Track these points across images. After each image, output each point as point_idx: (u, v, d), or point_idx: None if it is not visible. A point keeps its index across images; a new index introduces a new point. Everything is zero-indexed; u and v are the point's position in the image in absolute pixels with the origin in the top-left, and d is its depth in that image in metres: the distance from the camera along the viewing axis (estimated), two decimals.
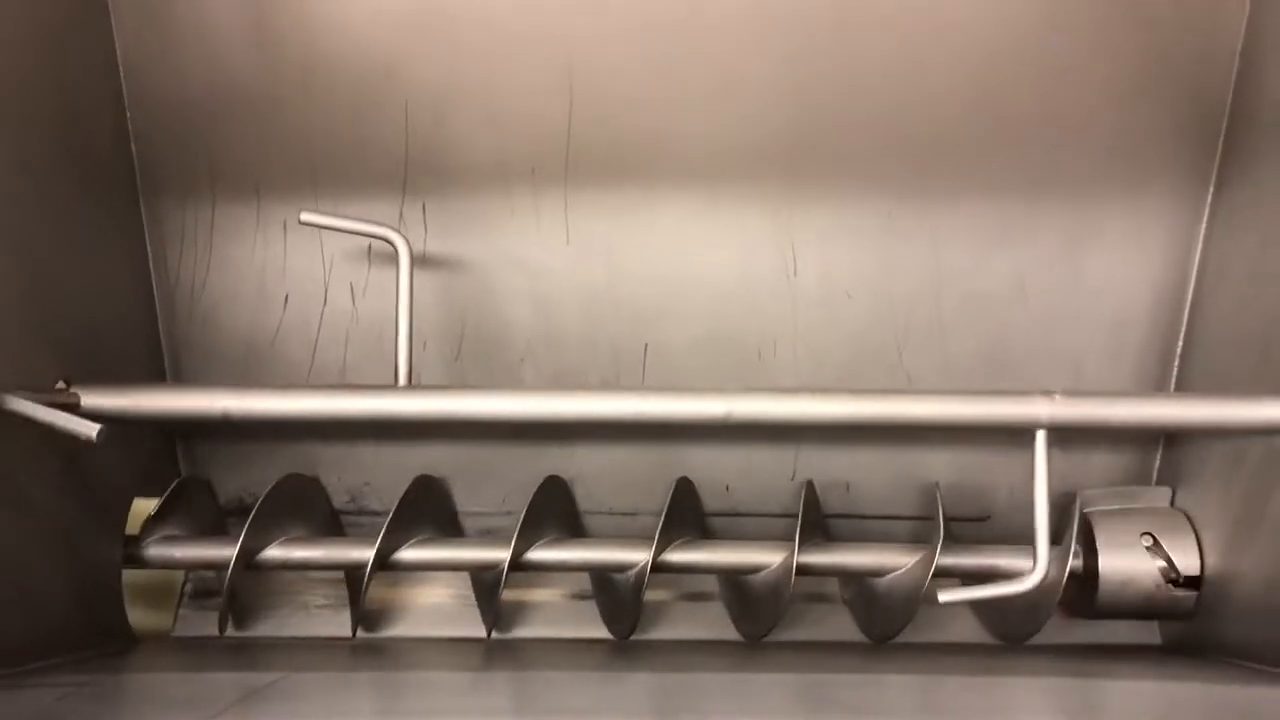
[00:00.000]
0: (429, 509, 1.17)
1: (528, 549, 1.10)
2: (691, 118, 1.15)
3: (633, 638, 1.16)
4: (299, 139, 1.16)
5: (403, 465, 1.20)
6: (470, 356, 1.20)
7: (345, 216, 1.12)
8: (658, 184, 1.17)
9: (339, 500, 1.22)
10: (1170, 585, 1.09)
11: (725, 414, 1.03)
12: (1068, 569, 1.07)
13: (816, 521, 1.16)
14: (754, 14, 1.11)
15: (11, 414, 0.90)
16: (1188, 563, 1.09)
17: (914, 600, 1.07)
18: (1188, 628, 1.12)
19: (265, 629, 1.19)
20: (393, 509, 1.08)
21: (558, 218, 1.18)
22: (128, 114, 1.14)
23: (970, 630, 1.19)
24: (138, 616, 1.12)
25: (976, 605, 1.19)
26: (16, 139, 0.96)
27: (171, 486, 1.13)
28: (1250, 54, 1.10)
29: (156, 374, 1.19)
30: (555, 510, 1.17)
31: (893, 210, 1.17)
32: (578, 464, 1.22)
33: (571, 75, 1.14)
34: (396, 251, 1.10)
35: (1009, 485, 1.22)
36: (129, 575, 1.10)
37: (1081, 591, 1.13)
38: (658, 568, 1.09)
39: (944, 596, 0.99)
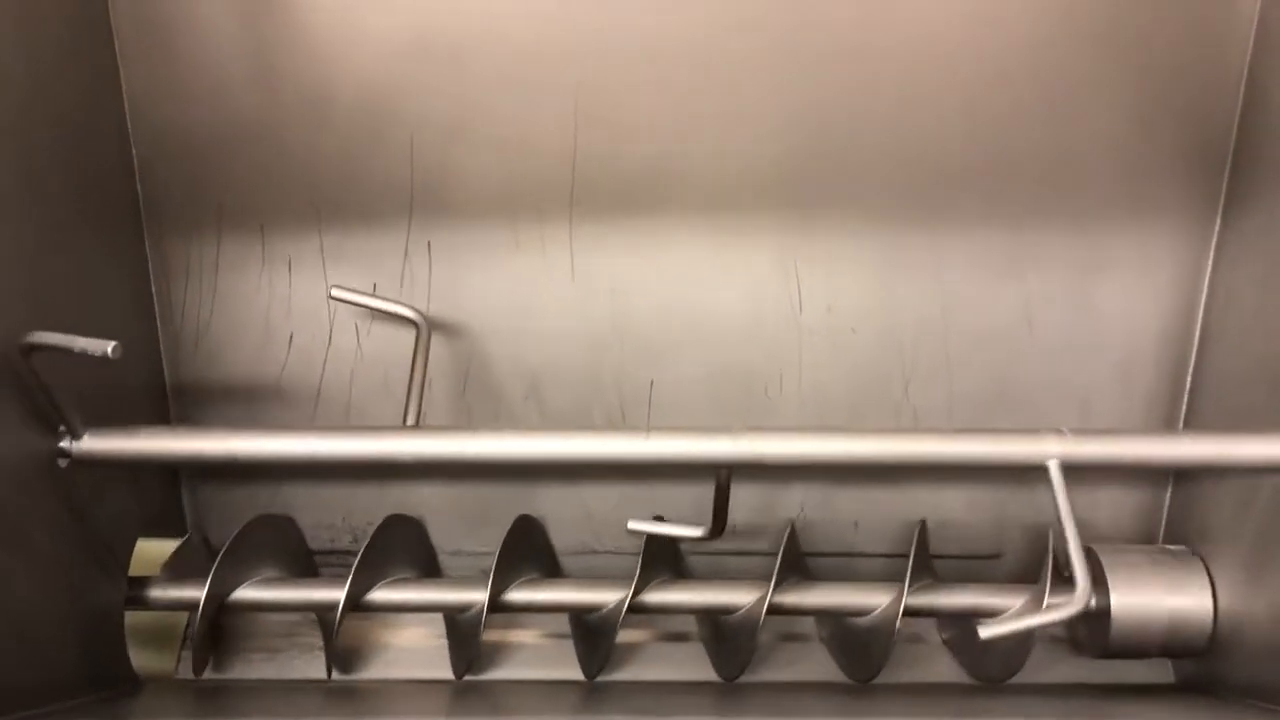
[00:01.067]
0: (404, 548, 1.16)
1: (505, 589, 1.10)
2: (696, 150, 1.14)
3: (608, 677, 1.15)
4: (304, 174, 1.15)
5: (407, 505, 1.20)
6: (475, 393, 1.20)
7: (372, 295, 1.15)
8: (662, 218, 1.17)
9: (344, 541, 1.21)
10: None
11: (731, 454, 1.02)
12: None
13: (796, 560, 1.15)
14: (759, 47, 1.11)
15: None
16: (1200, 603, 1.08)
17: (888, 639, 1.07)
18: (1201, 666, 1.11)
19: (270, 670, 1.18)
20: (361, 549, 1.08)
21: (563, 253, 1.18)
22: (133, 149, 1.14)
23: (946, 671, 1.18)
24: (140, 658, 1.11)
25: (957, 645, 1.19)
26: (18, 173, 0.95)
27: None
28: (1256, 81, 1.09)
29: (160, 413, 1.19)
30: (530, 550, 1.17)
31: (898, 243, 1.17)
32: (583, 500, 1.21)
33: (576, 108, 1.14)
34: (417, 328, 1.13)
35: (1020, 523, 1.21)
36: (131, 617, 1.10)
37: (1094, 630, 1.12)
38: (635, 608, 1.09)
39: (985, 631, 0.96)
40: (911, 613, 1.08)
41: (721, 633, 1.15)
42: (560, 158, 1.15)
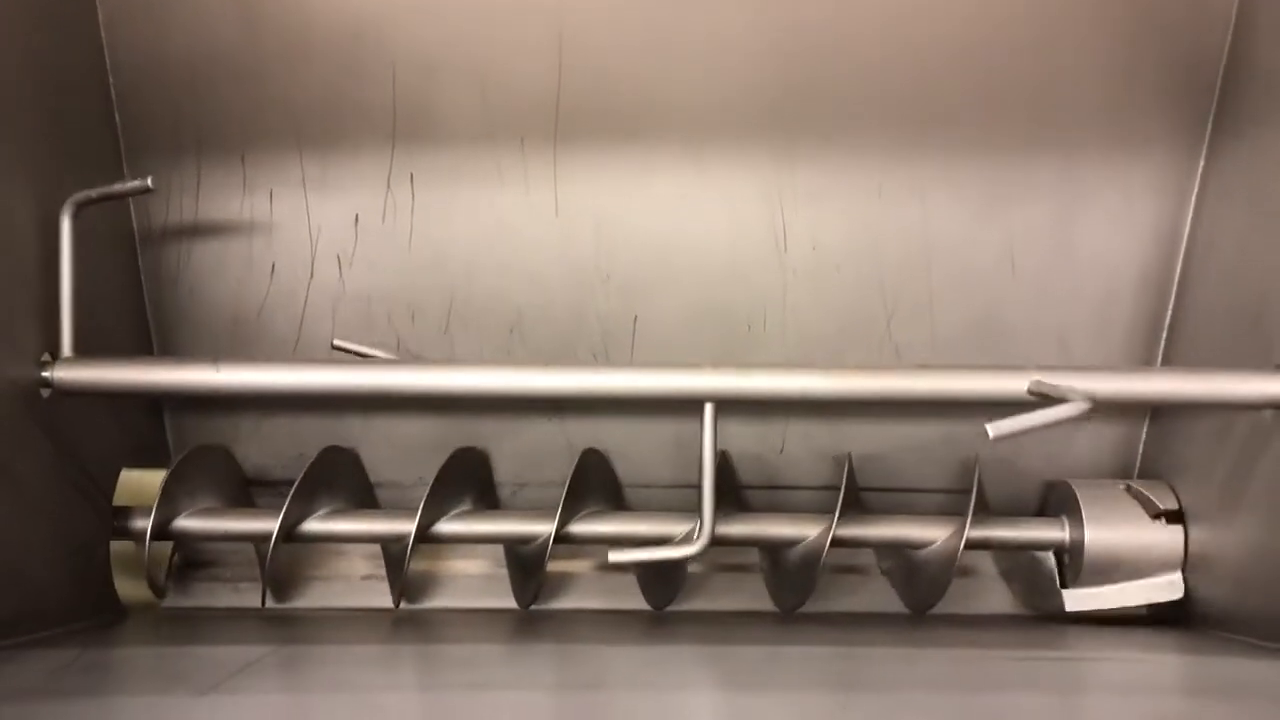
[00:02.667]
0: (468, 479, 1.17)
1: (437, 520, 1.11)
2: (681, 83, 1.14)
3: (540, 606, 1.18)
4: (285, 105, 1.14)
5: (393, 437, 1.21)
6: (458, 329, 1.20)
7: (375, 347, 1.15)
8: (647, 152, 1.16)
9: None
10: (1157, 520, 1.10)
11: (713, 390, 1.02)
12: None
13: (855, 496, 1.16)
14: None
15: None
16: (1172, 537, 1.10)
17: (949, 572, 1.09)
18: (1173, 601, 1.13)
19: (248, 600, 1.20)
20: (296, 481, 1.08)
21: (546, 186, 1.17)
22: (110, 80, 1.12)
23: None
24: (126, 588, 1.12)
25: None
26: None
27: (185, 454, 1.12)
28: (1244, 20, 1.09)
29: (143, 344, 1.18)
30: (599, 482, 1.18)
31: (883, 180, 1.17)
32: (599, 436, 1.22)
33: (561, 39, 1.12)
34: None
35: (995, 458, 1.22)
36: (116, 547, 1.10)
37: (1070, 564, 1.14)
38: (563, 538, 1.10)
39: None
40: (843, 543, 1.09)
41: (781, 566, 1.16)
42: (544, 89, 1.14)
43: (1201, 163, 1.15)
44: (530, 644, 1.04)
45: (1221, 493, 1.06)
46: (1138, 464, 1.22)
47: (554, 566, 1.16)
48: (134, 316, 1.18)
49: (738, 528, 1.12)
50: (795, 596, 1.14)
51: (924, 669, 0.93)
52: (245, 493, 1.20)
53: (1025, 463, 1.21)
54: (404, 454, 1.21)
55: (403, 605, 1.16)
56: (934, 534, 1.12)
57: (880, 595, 1.20)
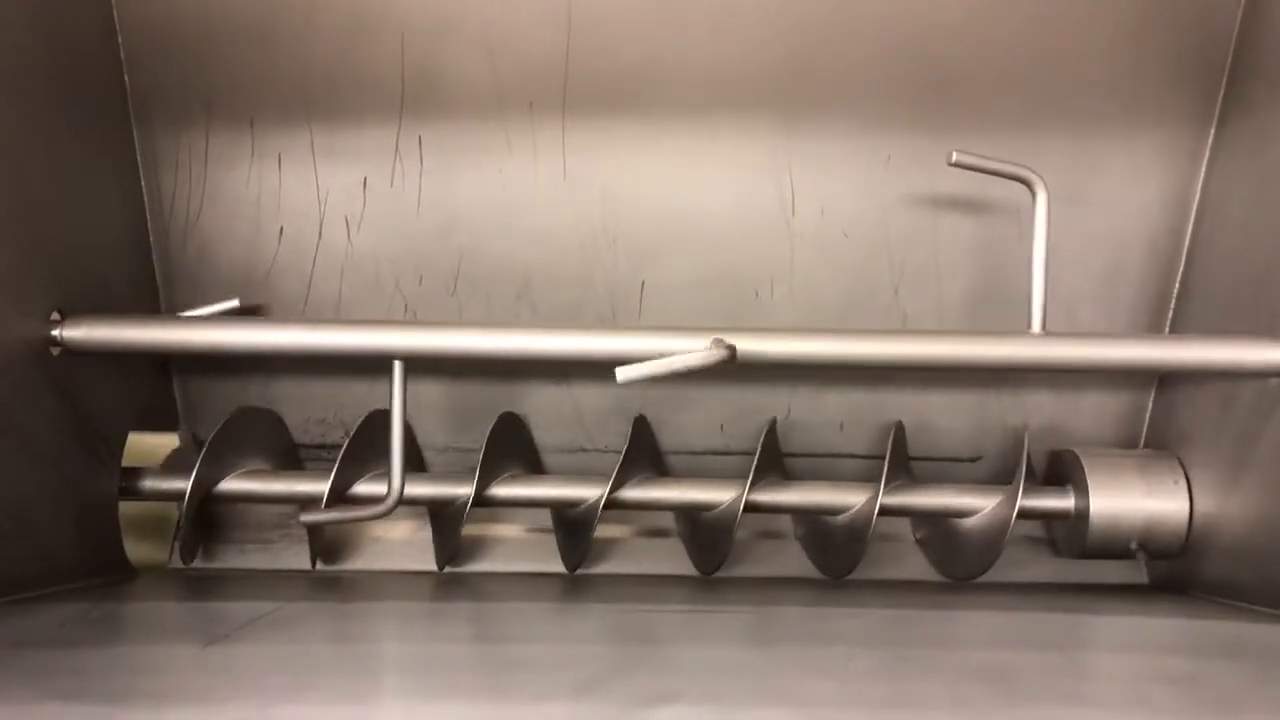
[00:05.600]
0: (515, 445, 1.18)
1: (489, 485, 1.12)
2: (690, 49, 1.14)
3: (589, 570, 1.19)
4: (294, 69, 1.14)
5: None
6: (466, 293, 1.20)
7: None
8: (655, 118, 1.16)
9: (335, 436, 1.22)
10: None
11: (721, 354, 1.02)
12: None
13: (775, 459, 1.17)
14: None
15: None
16: (1177, 505, 1.10)
17: (862, 537, 1.09)
18: (1174, 567, 1.14)
19: (261, 560, 1.20)
20: (346, 443, 1.09)
21: (555, 153, 1.17)
22: (120, 42, 1.12)
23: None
24: (134, 549, 1.13)
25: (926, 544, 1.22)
26: (3, 67, 0.94)
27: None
28: None
29: (151, 307, 1.19)
30: (514, 447, 1.19)
31: (891, 148, 1.17)
32: (575, 399, 1.23)
33: (570, 6, 1.12)
34: None
35: (1002, 427, 1.23)
36: (125, 508, 1.11)
37: (1072, 531, 1.14)
38: (613, 504, 1.12)
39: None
40: (887, 512, 1.10)
41: (699, 529, 1.17)
42: (552, 57, 1.14)
43: (1212, 130, 1.14)
44: (577, 604, 1.05)
45: (1226, 462, 1.07)
46: (1144, 435, 1.22)
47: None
48: (143, 281, 1.18)
49: (771, 495, 1.13)
50: (842, 563, 1.14)
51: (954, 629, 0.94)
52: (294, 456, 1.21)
53: (1033, 431, 1.22)
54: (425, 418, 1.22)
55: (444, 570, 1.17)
56: (981, 503, 1.12)
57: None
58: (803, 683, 0.73)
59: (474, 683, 0.72)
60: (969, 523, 1.13)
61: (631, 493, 1.13)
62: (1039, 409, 1.22)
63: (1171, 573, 1.15)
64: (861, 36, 1.13)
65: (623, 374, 0.94)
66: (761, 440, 1.11)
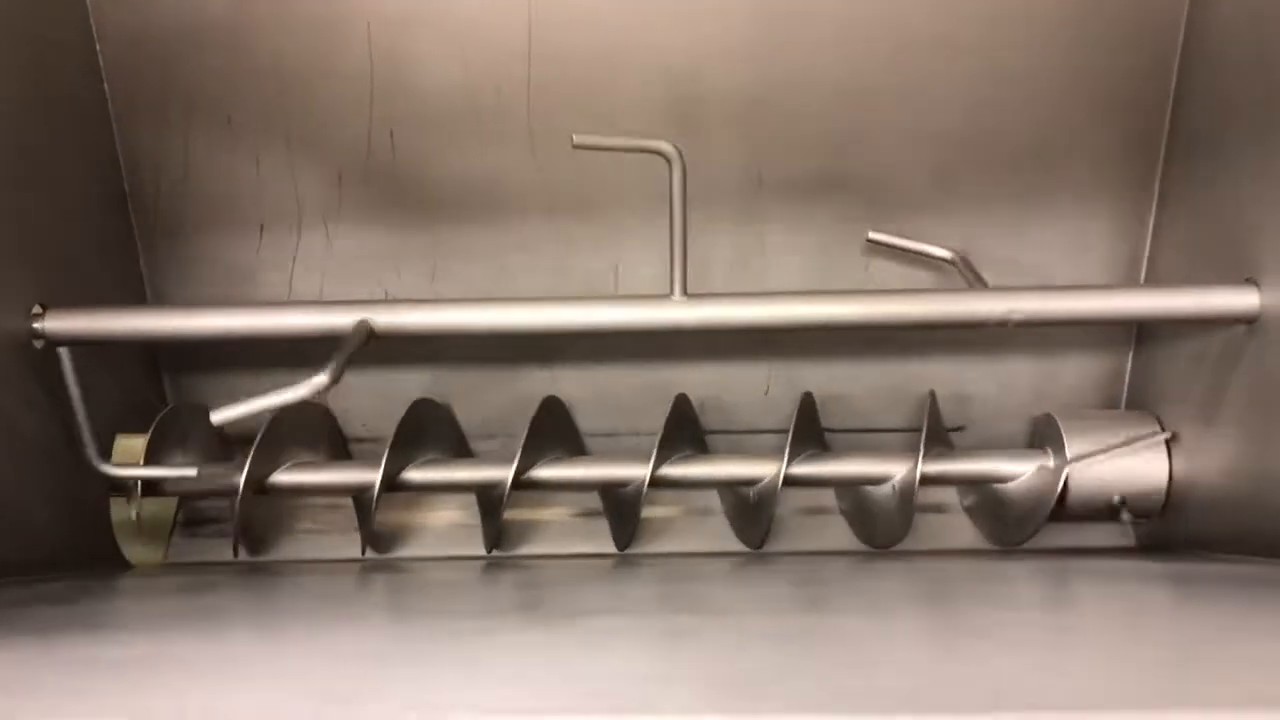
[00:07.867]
0: (433, 431, 1.17)
1: (531, 467, 1.11)
2: (654, 35, 1.15)
3: (635, 550, 1.19)
4: (268, 66, 1.16)
5: (390, 391, 1.21)
6: (444, 281, 1.22)
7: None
8: (619, 103, 1.17)
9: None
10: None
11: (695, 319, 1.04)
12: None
13: (812, 433, 1.17)
14: None
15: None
16: (1156, 466, 1.10)
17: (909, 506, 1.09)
18: (1159, 527, 1.14)
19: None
20: (393, 432, 1.09)
21: (522, 139, 1.18)
22: (97, 47, 1.15)
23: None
24: (132, 551, 1.14)
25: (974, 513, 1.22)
26: None
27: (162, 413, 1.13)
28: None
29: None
30: (555, 430, 1.18)
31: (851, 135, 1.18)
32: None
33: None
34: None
35: (983, 395, 1.23)
36: (120, 512, 1.12)
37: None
38: (657, 482, 1.11)
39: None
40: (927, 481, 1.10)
41: (743, 505, 1.18)
42: (515, 46, 1.15)
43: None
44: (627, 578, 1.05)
45: (1202, 415, 1.07)
46: (1124, 396, 1.23)
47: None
48: (129, 281, 1.20)
49: (812, 468, 1.13)
50: (886, 534, 1.15)
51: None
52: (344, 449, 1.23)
53: (1014, 399, 1.22)
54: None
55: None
56: (1021, 468, 1.13)
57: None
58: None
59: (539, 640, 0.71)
60: (1011, 487, 1.14)
61: (675, 470, 1.12)
62: (1020, 377, 1.23)
63: (1156, 533, 1.15)
64: (822, 33, 1.15)
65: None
66: (795, 415, 1.12)
